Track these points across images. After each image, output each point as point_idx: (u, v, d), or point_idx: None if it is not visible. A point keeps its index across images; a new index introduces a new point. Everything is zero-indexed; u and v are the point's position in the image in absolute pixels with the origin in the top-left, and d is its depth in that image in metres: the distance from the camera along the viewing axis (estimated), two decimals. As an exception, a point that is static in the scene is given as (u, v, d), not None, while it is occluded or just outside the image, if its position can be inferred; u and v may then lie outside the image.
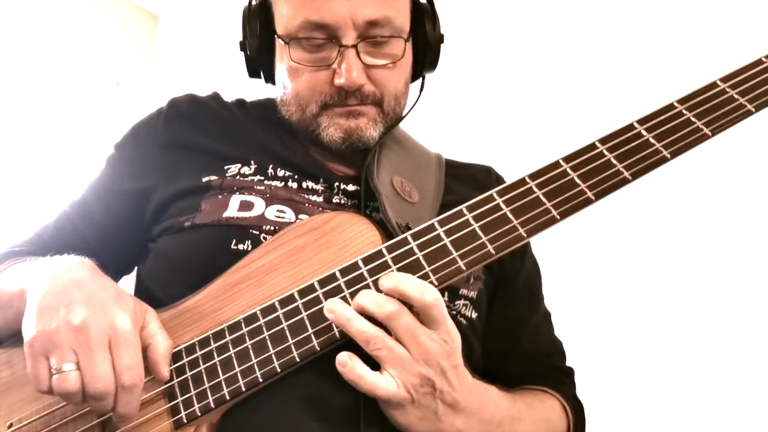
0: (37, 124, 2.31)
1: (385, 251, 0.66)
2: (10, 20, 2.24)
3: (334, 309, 0.62)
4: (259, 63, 0.86)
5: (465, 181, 0.93)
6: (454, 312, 0.78)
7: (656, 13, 1.72)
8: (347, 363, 0.60)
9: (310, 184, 0.81)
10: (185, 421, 0.63)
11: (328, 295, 0.65)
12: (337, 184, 0.82)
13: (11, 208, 2.12)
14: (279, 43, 0.82)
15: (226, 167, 0.81)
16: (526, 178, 0.68)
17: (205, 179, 0.80)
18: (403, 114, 0.87)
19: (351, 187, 0.82)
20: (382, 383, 0.60)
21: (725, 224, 1.53)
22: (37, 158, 2.28)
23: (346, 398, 0.64)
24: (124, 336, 0.60)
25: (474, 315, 0.80)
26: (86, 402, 0.60)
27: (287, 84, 0.83)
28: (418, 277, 0.63)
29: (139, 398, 0.61)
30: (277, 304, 0.66)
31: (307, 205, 0.79)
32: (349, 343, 0.63)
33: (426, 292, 0.60)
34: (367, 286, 0.64)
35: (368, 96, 0.80)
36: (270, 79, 0.88)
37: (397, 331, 0.60)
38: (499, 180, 0.97)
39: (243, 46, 0.86)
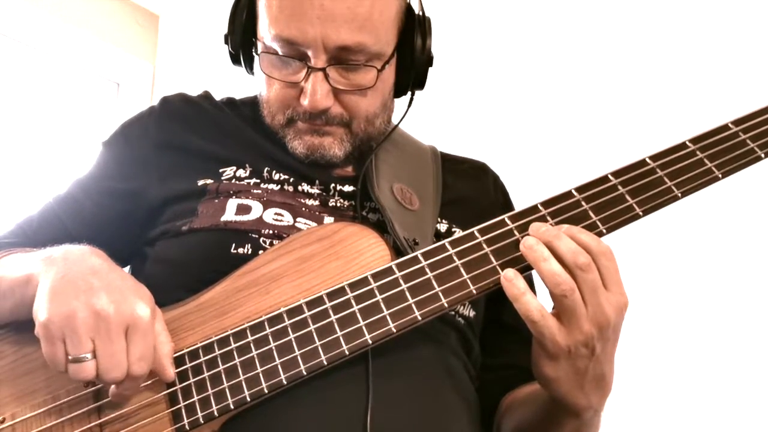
0: (37, 124, 2.29)
1: (395, 269, 0.66)
2: (10, 20, 2.23)
3: (532, 246, 0.62)
4: (241, 59, 0.85)
5: (462, 176, 0.93)
6: (453, 312, 0.77)
7: (635, 11, 1.74)
8: (512, 278, 0.62)
9: (306, 188, 0.81)
10: (188, 428, 0.62)
11: (337, 308, 0.64)
12: (333, 185, 0.82)
13: (10, 208, 2.08)
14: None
15: (221, 170, 0.81)
16: (539, 206, 0.69)
17: (201, 182, 0.80)
18: (389, 128, 0.87)
19: (348, 188, 0.82)
20: (535, 305, 0.61)
21: (714, 223, 1.53)
22: (37, 158, 2.26)
23: (351, 409, 0.63)
24: (143, 326, 0.59)
25: (472, 314, 0.80)
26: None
27: (261, 88, 0.84)
28: (429, 296, 0.64)
29: (140, 384, 0.62)
30: (284, 314, 0.65)
31: (303, 209, 0.78)
32: (360, 358, 0.62)
33: (601, 242, 0.62)
34: (377, 303, 0.64)
35: (335, 117, 0.79)
36: (252, 72, 0.87)
37: (581, 284, 0.60)
38: (496, 179, 0.97)
39: (226, 40, 0.85)
